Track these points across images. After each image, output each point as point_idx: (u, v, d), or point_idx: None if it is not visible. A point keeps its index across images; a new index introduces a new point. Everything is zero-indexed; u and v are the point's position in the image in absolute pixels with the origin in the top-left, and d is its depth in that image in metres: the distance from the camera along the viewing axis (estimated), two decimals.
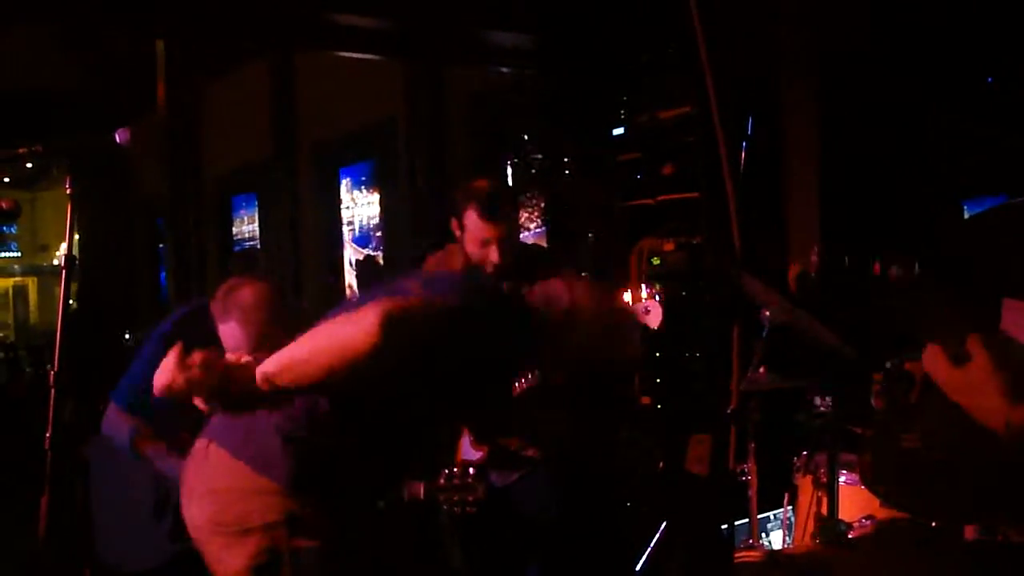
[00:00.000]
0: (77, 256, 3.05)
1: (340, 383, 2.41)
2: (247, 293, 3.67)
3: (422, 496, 2.92)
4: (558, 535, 3.97)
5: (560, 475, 3.99)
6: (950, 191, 4.97)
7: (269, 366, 2.46)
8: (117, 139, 2.91)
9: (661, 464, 5.01)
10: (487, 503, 3.31)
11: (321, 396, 2.49)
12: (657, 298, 3.50)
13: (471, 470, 2.95)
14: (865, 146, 5.15)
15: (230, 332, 3.67)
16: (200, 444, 2.61)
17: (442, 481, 2.94)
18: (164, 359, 2.54)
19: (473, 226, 3.86)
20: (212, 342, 3.69)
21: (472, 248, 3.91)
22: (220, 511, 2.50)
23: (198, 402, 2.62)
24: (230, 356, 2.62)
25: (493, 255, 3.87)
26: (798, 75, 5.39)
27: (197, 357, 2.51)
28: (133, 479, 3.84)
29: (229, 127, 11.16)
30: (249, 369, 2.49)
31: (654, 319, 3.46)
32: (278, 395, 2.48)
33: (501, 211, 3.87)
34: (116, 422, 3.84)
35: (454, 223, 3.94)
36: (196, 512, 2.57)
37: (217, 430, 2.60)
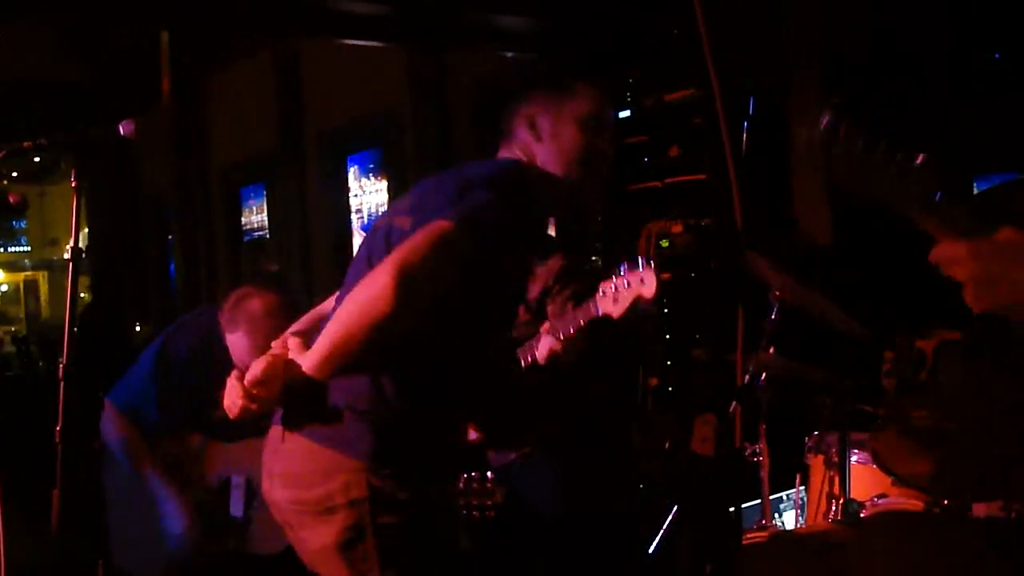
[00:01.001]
0: (85, 249, 3.05)
1: (381, 347, 2.44)
2: (256, 304, 3.68)
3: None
4: (561, 520, 3.98)
5: (560, 457, 4.00)
6: (960, 166, 4.95)
7: (315, 358, 2.48)
8: (122, 131, 2.91)
9: (667, 444, 5.02)
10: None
11: (378, 365, 2.52)
12: (652, 265, 3.47)
13: (490, 475, 2.96)
14: (872, 122, 5.13)
15: (238, 342, 3.69)
16: (275, 431, 2.64)
17: (461, 485, 2.95)
18: (228, 385, 2.58)
19: None
20: (213, 354, 3.71)
21: None
22: (303, 492, 2.54)
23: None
24: (275, 357, 2.64)
25: None
26: (803, 51, 5.37)
27: (254, 377, 2.54)
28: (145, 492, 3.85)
29: (235, 118, 11.16)
30: (299, 369, 2.51)
31: (648, 289, 3.45)
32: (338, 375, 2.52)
33: None
34: (110, 423, 3.85)
35: None
36: (279, 495, 2.61)
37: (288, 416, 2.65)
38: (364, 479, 2.49)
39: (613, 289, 3.48)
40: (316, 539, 2.55)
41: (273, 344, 2.72)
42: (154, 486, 3.76)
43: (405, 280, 2.33)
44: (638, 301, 3.46)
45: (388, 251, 2.52)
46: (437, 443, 2.68)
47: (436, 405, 2.64)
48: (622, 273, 3.47)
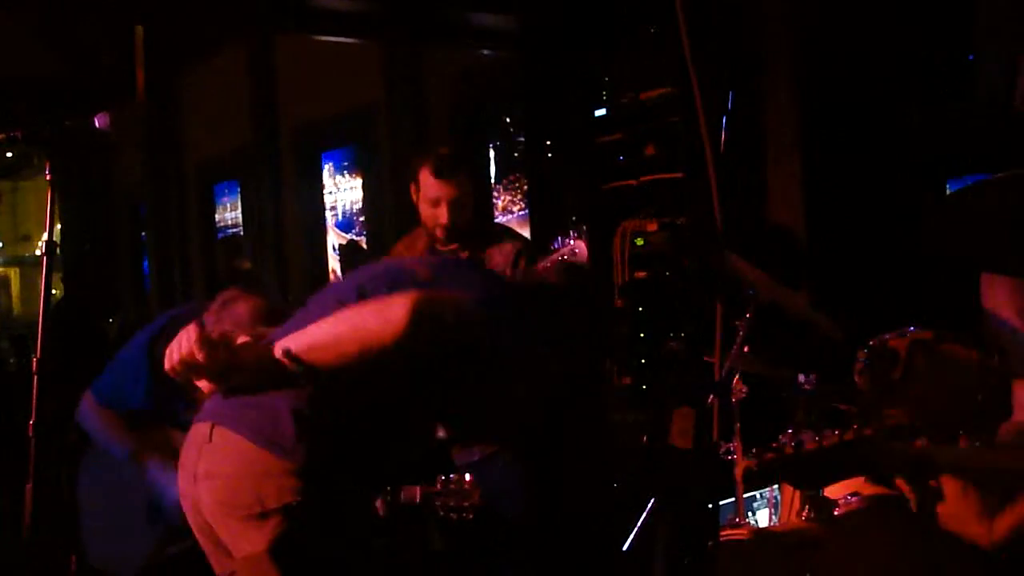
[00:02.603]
0: (58, 245, 3.03)
1: (360, 370, 2.41)
2: (242, 308, 3.67)
3: (418, 500, 2.92)
4: (530, 520, 3.99)
5: (528, 457, 4.02)
6: (932, 168, 4.98)
7: (291, 343, 2.45)
8: (97, 124, 2.89)
9: (644, 439, 5.03)
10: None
11: (338, 380, 2.48)
12: (583, 237, 3.55)
13: (467, 476, 2.96)
14: (847, 122, 5.16)
15: None
16: (201, 428, 2.56)
17: (438, 486, 2.95)
18: (182, 333, 2.52)
19: (425, 184, 3.96)
20: None
21: (424, 210, 3.99)
22: (233, 494, 2.46)
23: (202, 384, 2.60)
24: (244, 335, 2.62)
25: (442, 216, 3.94)
26: (778, 52, 5.39)
27: (216, 333, 2.50)
28: (127, 482, 3.83)
29: (209, 114, 11.11)
30: (267, 347, 2.47)
31: (580, 256, 3.53)
32: (293, 377, 2.47)
33: (452, 170, 3.93)
34: (90, 414, 3.83)
35: (412, 188, 4.00)
36: (204, 495, 2.52)
37: (224, 413, 2.56)
38: (299, 485, 2.43)
39: (548, 264, 3.56)
40: (243, 546, 2.47)
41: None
42: (147, 463, 3.73)
43: (420, 316, 2.33)
44: (568, 264, 3.53)
45: (389, 286, 2.53)
46: (382, 451, 2.63)
47: (382, 415, 2.59)
48: (556, 248, 3.55)
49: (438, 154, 4.01)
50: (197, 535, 2.62)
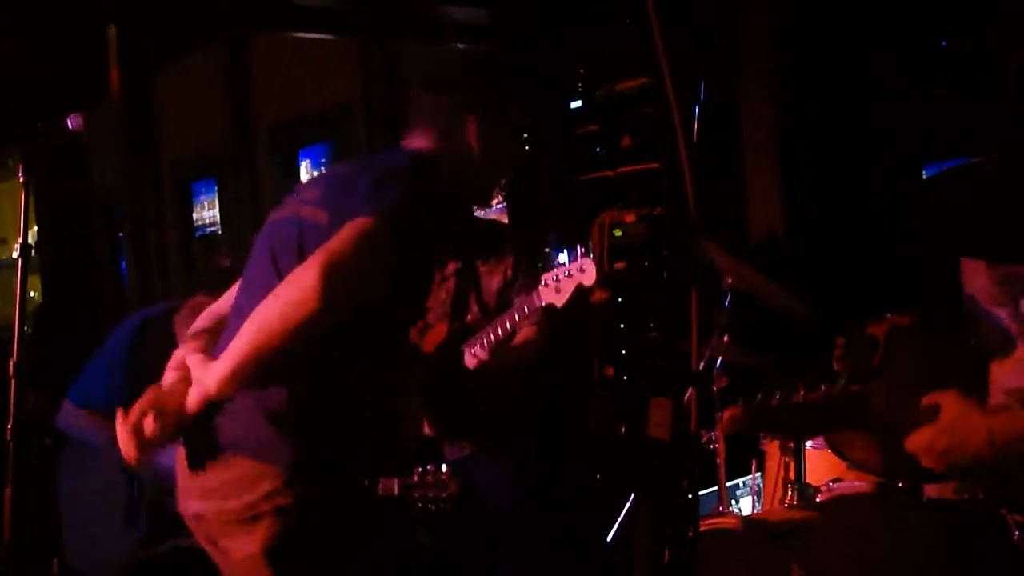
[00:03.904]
0: (34, 247, 3.02)
1: (297, 352, 2.35)
2: None
3: (396, 492, 2.91)
4: (519, 514, 3.99)
5: (515, 452, 4.03)
6: (909, 154, 5.00)
7: (225, 371, 2.37)
8: (70, 125, 2.88)
9: (623, 430, 5.05)
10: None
11: (293, 366, 2.42)
12: (591, 255, 3.55)
13: (444, 467, 2.96)
14: (823, 110, 5.17)
15: None
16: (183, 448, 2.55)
17: (415, 478, 2.94)
18: (117, 428, 2.48)
19: None
20: (172, 349, 3.68)
21: None
22: (223, 503, 2.45)
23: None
24: (169, 385, 2.56)
25: None
26: (753, 41, 5.40)
27: (140, 414, 2.46)
28: (106, 484, 3.81)
29: (185, 112, 11.06)
30: (205, 392, 2.41)
31: (588, 277, 3.53)
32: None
33: None
34: (70, 418, 3.81)
35: None
36: (199, 508, 2.52)
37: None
38: (288, 485, 2.41)
39: (555, 279, 3.56)
40: (241, 548, 2.46)
41: (171, 362, 2.63)
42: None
43: (333, 278, 2.24)
44: (580, 289, 3.53)
45: (299, 246, 2.47)
46: (362, 443, 2.59)
47: (354, 404, 2.54)
48: (563, 263, 3.55)
49: None
50: (200, 541, 2.61)
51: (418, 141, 2.71)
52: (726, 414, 2.28)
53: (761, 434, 3.89)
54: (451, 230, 2.76)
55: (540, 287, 3.62)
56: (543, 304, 3.64)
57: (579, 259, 3.56)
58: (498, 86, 2.86)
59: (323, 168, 9.42)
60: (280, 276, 2.42)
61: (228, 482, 2.45)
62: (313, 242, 2.39)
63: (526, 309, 3.69)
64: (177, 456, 2.56)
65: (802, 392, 2.25)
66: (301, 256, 2.43)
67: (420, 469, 2.94)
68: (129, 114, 11.32)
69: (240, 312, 2.51)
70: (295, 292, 2.27)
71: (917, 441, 2.32)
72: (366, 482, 2.65)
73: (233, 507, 2.43)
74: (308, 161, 9.67)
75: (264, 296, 2.36)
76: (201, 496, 2.50)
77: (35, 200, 3.08)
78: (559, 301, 3.60)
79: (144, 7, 5.97)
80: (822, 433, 3.16)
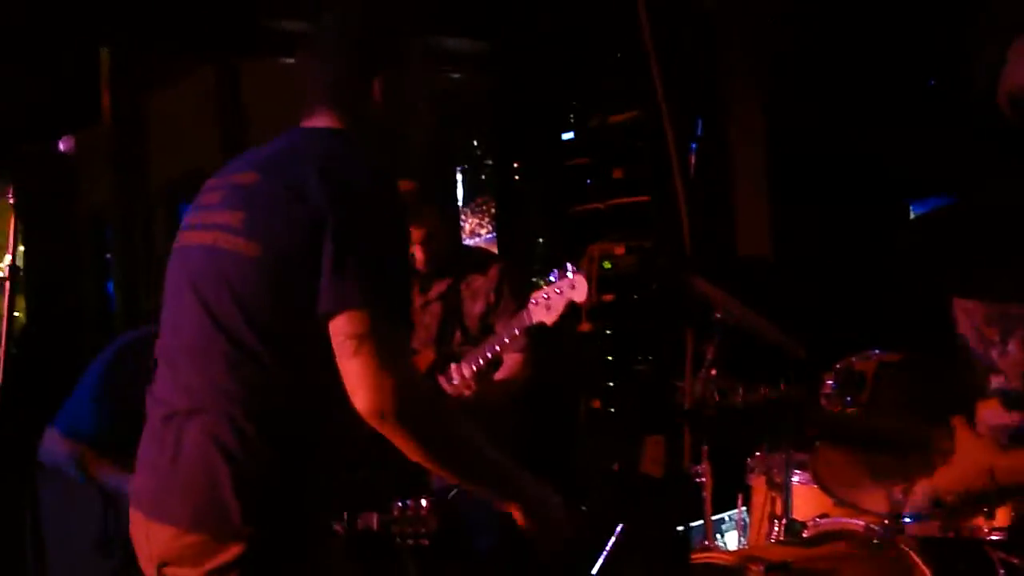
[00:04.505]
0: (22, 267, 3.00)
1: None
2: None
3: (375, 527, 2.89)
4: (503, 548, 3.97)
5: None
6: (897, 191, 5.02)
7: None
8: (61, 147, 2.87)
9: (616, 466, 5.03)
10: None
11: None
12: (582, 272, 3.54)
13: (424, 502, 2.93)
14: (812, 148, 5.20)
15: None
16: (137, 516, 2.31)
17: (396, 513, 2.92)
18: None
19: None
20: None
21: None
22: (185, 562, 2.19)
23: None
24: None
25: (418, 259, 3.93)
26: (744, 77, 5.43)
27: None
28: (80, 513, 3.78)
29: (176, 135, 11.04)
30: None
31: (580, 294, 3.52)
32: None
33: (419, 213, 3.90)
34: (55, 448, 3.78)
35: None
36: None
37: (148, 501, 2.28)
38: (233, 543, 2.13)
39: (545, 297, 3.55)
40: None
41: None
42: (111, 480, 3.67)
43: (404, 408, 2.06)
44: (571, 306, 3.52)
45: (227, 282, 2.20)
46: (318, 486, 2.26)
47: (309, 445, 2.24)
48: (553, 281, 3.54)
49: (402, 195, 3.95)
50: None
51: (320, 119, 2.41)
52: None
53: (748, 469, 3.88)
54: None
55: (530, 305, 3.62)
56: (534, 322, 3.64)
57: (570, 276, 3.56)
58: (396, 29, 2.49)
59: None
60: (214, 318, 2.20)
61: (187, 555, 2.18)
62: (241, 277, 2.18)
63: (516, 328, 3.68)
64: (132, 520, 2.33)
65: (742, 392, 2.21)
66: (233, 295, 2.18)
67: (400, 504, 2.91)
68: (120, 135, 11.33)
69: (173, 362, 2.30)
70: (415, 456, 2.14)
71: None
72: (345, 516, 2.57)
73: (198, 568, 2.18)
74: None
75: (201, 344, 2.21)
76: (152, 563, 2.26)
77: (22, 220, 3.07)
78: (550, 319, 3.60)
79: (137, 30, 5.98)
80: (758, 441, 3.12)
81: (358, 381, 2.08)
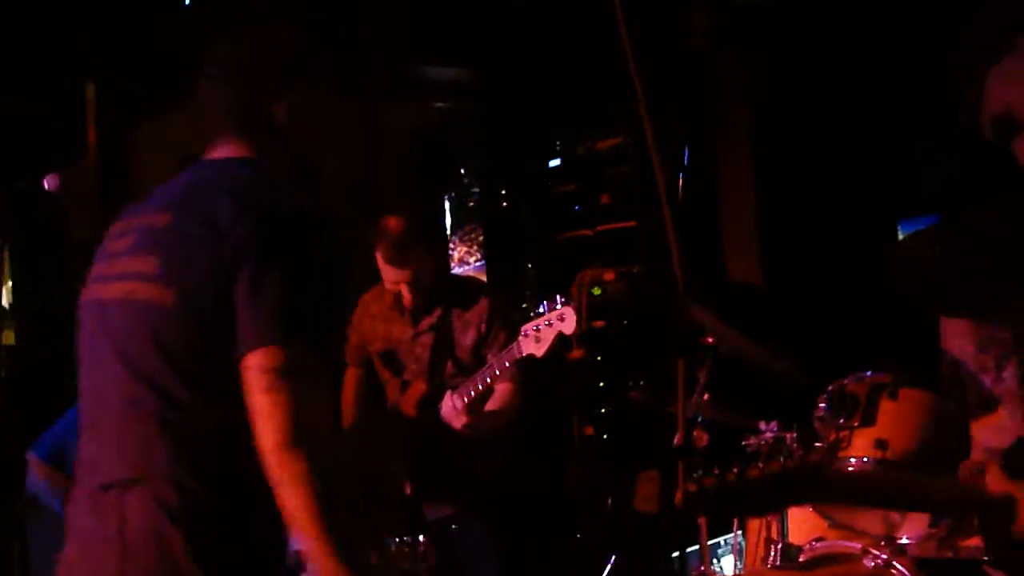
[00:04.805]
0: (12, 302, 3.00)
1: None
2: None
3: (375, 563, 2.88)
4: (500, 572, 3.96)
5: (493, 516, 4.00)
6: (885, 212, 5.03)
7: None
8: (46, 186, 2.87)
9: (609, 502, 5.01)
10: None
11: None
12: (571, 304, 3.56)
13: (422, 538, 2.92)
14: (800, 170, 5.21)
15: None
16: None
17: (394, 549, 2.91)
18: None
19: (382, 267, 3.92)
20: None
21: (388, 285, 3.98)
22: None
23: None
24: None
25: (404, 292, 3.93)
26: (732, 101, 5.44)
27: None
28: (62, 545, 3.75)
29: (164, 170, 11.03)
30: None
31: (568, 325, 3.53)
32: None
33: (405, 256, 3.89)
34: (34, 474, 3.76)
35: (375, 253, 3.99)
36: None
37: (80, 572, 2.17)
38: None
39: (535, 329, 3.56)
40: None
41: None
42: None
43: (311, 448, 1.96)
44: (560, 338, 3.53)
45: (145, 334, 2.07)
46: (268, 523, 2.09)
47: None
48: (542, 313, 3.55)
49: (389, 238, 3.91)
50: None
51: (226, 148, 2.27)
52: (678, 495, 2.13)
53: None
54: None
55: (520, 338, 3.63)
56: (524, 355, 3.65)
57: (559, 308, 3.57)
58: (296, 51, 2.32)
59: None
60: (141, 377, 2.08)
61: None
62: (165, 328, 2.06)
63: (506, 361, 3.69)
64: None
65: (760, 466, 2.12)
66: (158, 348, 2.06)
67: (399, 540, 2.90)
68: (107, 171, 11.32)
69: (99, 427, 2.18)
70: (294, 497, 1.98)
71: None
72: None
73: None
74: None
75: (130, 407, 2.09)
76: None
77: (10, 256, 3.05)
78: (539, 351, 3.61)
79: (122, 67, 5.98)
80: (779, 508, 3.10)
81: (267, 415, 1.98)
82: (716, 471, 2.09)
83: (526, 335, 3.62)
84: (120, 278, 2.17)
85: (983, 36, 2.08)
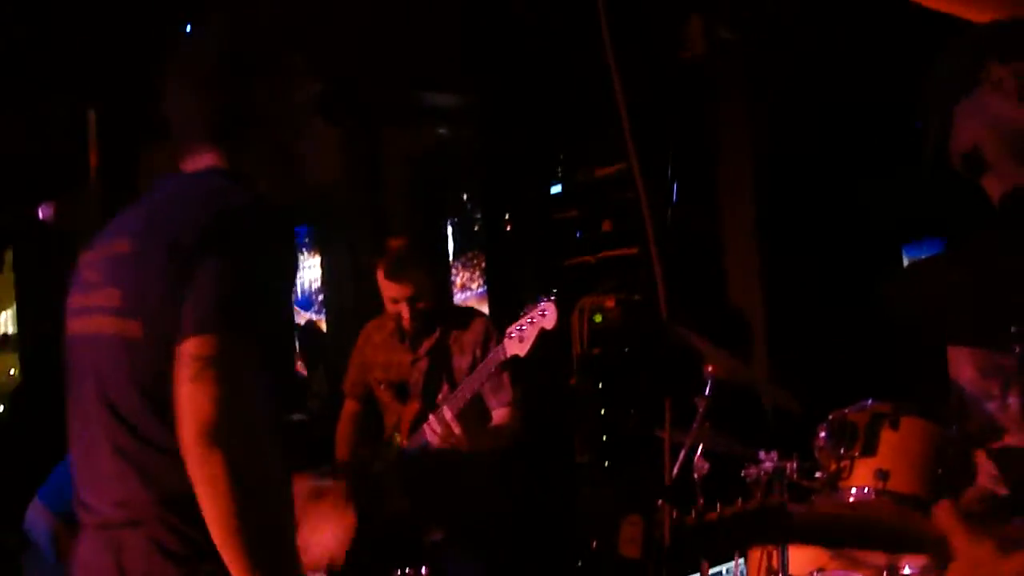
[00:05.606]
0: (16, 330, 2.98)
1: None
2: None
3: None
4: None
5: (489, 541, 3.99)
6: (888, 237, 5.02)
7: None
8: (40, 215, 2.87)
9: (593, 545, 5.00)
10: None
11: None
12: (552, 300, 3.56)
13: (424, 569, 2.91)
14: (802, 194, 5.20)
15: None
16: None
17: None
18: None
19: (382, 284, 3.96)
20: None
21: (387, 304, 4.00)
22: None
23: None
24: None
25: (403, 312, 3.95)
26: (732, 127, 5.44)
27: None
28: None
29: None
30: None
31: (549, 320, 3.54)
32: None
33: (405, 271, 3.92)
34: (36, 519, 3.74)
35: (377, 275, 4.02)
36: None
37: None
38: None
39: (519, 329, 3.57)
40: None
41: None
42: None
43: (234, 448, 1.83)
44: (544, 334, 3.53)
45: (121, 372, 2.03)
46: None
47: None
48: (524, 313, 3.56)
49: (390, 254, 3.95)
50: None
51: (202, 159, 2.20)
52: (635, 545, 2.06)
53: None
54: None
55: (505, 340, 3.66)
56: (508, 356, 3.66)
57: (540, 304, 3.58)
58: (262, 38, 2.27)
59: (304, 249, 9.34)
60: (123, 421, 2.03)
61: None
62: (139, 363, 2.00)
63: (492, 365, 3.70)
64: None
65: (719, 507, 2.07)
66: (136, 385, 2.01)
67: (399, 572, 2.89)
68: (111, 195, 11.36)
69: (88, 468, 2.14)
70: (206, 499, 1.87)
71: None
72: None
73: None
74: None
75: (116, 449, 2.04)
76: None
77: (15, 282, 3.05)
78: (523, 350, 3.63)
79: (125, 91, 6.00)
80: (744, 548, 3.07)
81: (187, 406, 1.86)
82: (675, 515, 2.04)
83: (510, 336, 3.65)
84: (89, 313, 2.14)
85: (950, 70, 2.08)
